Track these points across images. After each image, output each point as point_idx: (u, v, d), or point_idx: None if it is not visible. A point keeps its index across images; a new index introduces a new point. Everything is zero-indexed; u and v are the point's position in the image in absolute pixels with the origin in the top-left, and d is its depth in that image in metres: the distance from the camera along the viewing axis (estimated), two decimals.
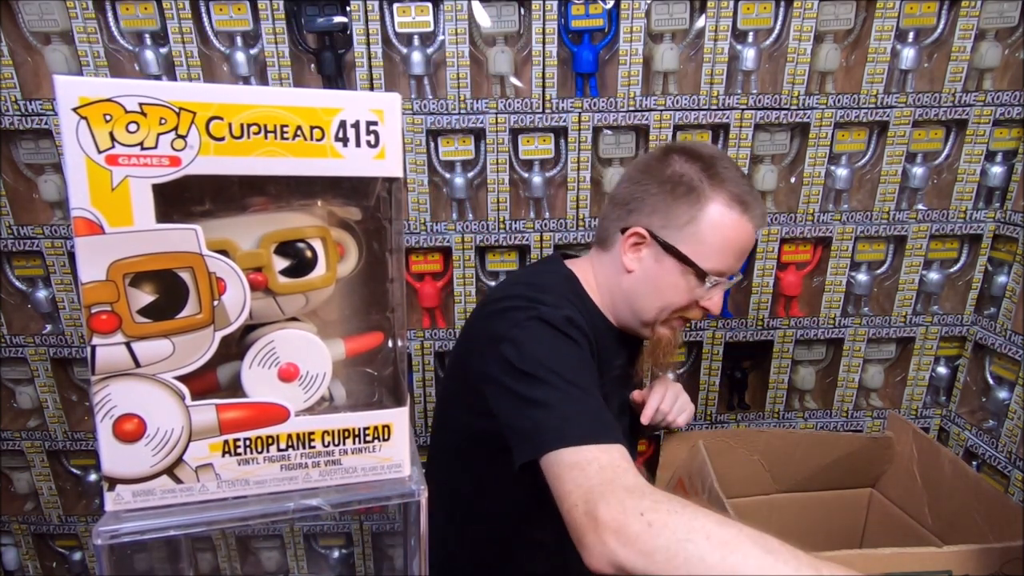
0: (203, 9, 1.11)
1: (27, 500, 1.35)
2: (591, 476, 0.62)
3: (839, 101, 1.17)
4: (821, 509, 1.13)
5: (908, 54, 1.17)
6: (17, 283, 1.23)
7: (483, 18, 1.15)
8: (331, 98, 0.40)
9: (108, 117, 0.36)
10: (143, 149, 0.37)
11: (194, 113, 0.37)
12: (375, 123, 0.41)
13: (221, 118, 0.37)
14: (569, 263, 0.96)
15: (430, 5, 1.12)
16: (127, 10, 1.10)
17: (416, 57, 1.14)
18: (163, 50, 1.13)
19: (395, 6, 1.12)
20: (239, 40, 1.14)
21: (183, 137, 0.37)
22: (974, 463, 1.24)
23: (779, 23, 1.16)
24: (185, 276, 0.41)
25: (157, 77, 1.14)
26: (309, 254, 0.47)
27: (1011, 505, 0.87)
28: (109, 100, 0.36)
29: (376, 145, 0.41)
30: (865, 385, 1.34)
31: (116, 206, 0.37)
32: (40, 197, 1.19)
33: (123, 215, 0.38)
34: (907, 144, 1.19)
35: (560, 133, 1.19)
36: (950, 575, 0.77)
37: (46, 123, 1.12)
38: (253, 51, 1.14)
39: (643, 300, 0.89)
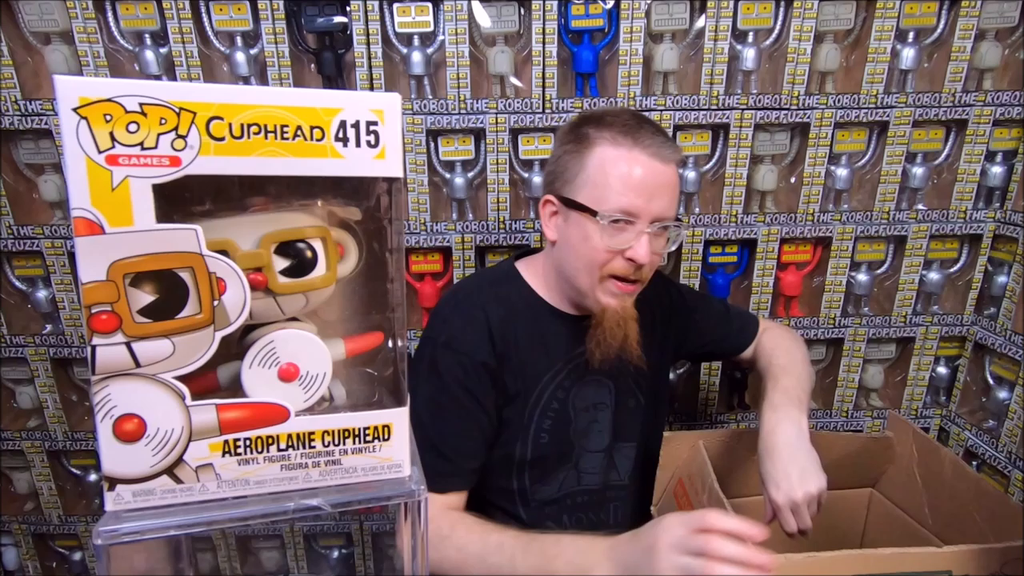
0: (203, 9, 1.11)
1: (27, 500, 1.35)
2: None
3: (839, 101, 1.17)
4: (821, 509, 1.13)
5: (908, 54, 1.17)
6: (17, 283, 1.24)
7: (483, 18, 1.15)
8: (331, 98, 0.40)
9: (108, 117, 0.36)
10: (143, 149, 0.37)
11: (194, 113, 0.37)
12: (375, 123, 0.41)
13: (221, 118, 0.37)
14: (521, 260, 0.98)
15: (430, 5, 1.12)
16: (127, 10, 1.10)
17: (416, 57, 1.14)
18: (163, 50, 1.13)
19: (395, 6, 1.12)
20: (239, 40, 1.14)
21: (183, 137, 0.37)
22: (974, 463, 1.24)
23: (779, 23, 1.16)
24: (185, 276, 0.41)
25: (157, 77, 1.14)
26: (309, 254, 0.47)
27: (1011, 505, 0.87)
28: (109, 100, 0.36)
29: (376, 145, 0.41)
30: (865, 385, 1.34)
31: (116, 206, 0.37)
32: (40, 197, 1.19)
33: (123, 215, 0.38)
34: (907, 144, 1.19)
35: None
36: (950, 575, 0.77)
37: (46, 123, 1.12)
38: (253, 51, 1.14)
39: (569, 265, 0.89)
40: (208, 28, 1.12)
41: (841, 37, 1.18)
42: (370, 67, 1.13)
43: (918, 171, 1.21)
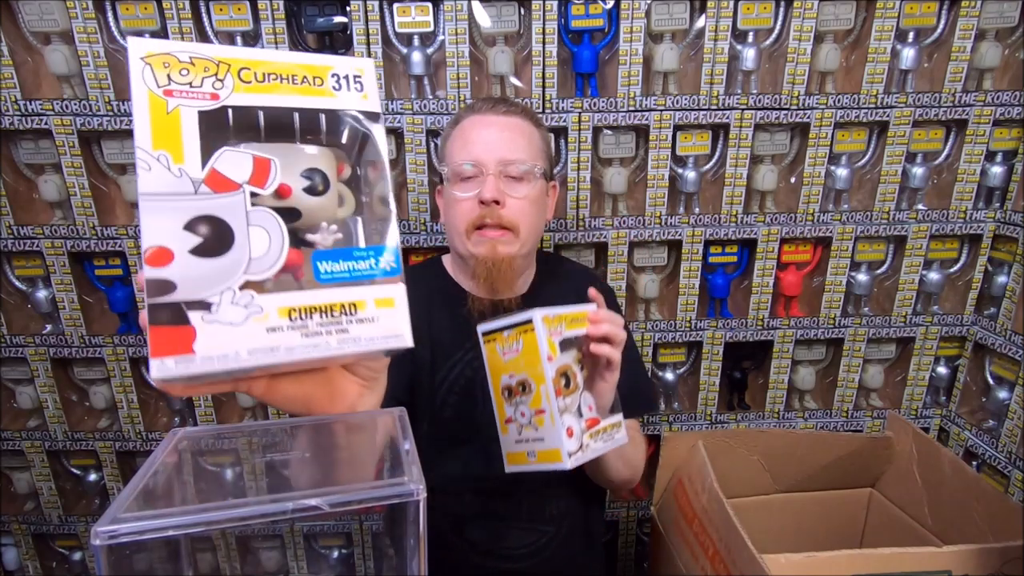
0: (203, 9, 1.11)
1: (27, 500, 1.35)
2: None
3: (839, 101, 1.17)
4: (821, 509, 1.13)
5: (908, 54, 1.17)
6: (17, 283, 1.24)
7: (483, 18, 1.15)
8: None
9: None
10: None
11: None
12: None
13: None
14: (446, 254, 1.05)
15: (430, 5, 1.12)
16: (127, 10, 1.10)
17: (416, 57, 1.14)
18: None
19: (395, 6, 1.12)
20: (239, 40, 1.14)
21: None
22: (974, 463, 1.24)
23: (779, 23, 1.16)
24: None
25: None
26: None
27: (1011, 505, 0.87)
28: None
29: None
30: (865, 385, 1.34)
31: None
32: (40, 197, 1.19)
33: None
34: (907, 144, 1.20)
35: (560, 133, 1.19)
36: (950, 575, 0.77)
37: (46, 123, 1.12)
38: None
39: (450, 231, 0.96)
40: (208, 28, 1.12)
41: (841, 37, 1.18)
42: None
43: (918, 171, 1.22)
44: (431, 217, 1.21)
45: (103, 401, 1.28)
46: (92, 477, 1.35)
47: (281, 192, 0.50)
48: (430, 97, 1.17)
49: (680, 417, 1.35)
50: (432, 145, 1.19)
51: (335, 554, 1.41)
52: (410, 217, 1.20)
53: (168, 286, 0.45)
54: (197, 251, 0.46)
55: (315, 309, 0.50)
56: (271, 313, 0.48)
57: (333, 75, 0.53)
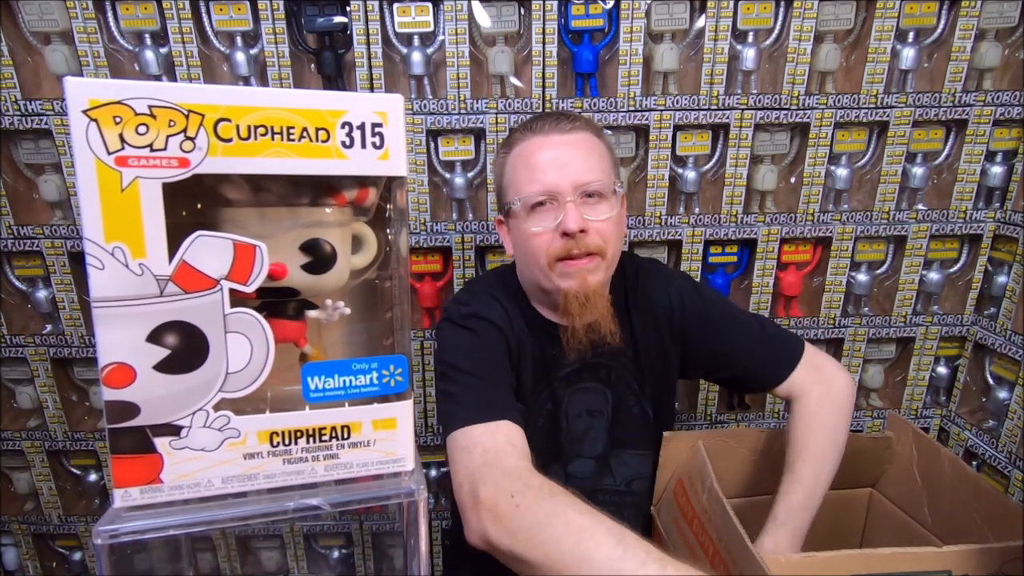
0: (203, 9, 1.11)
1: (27, 500, 1.35)
2: (475, 458, 0.70)
3: (839, 101, 1.17)
4: (821, 509, 1.13)
5: (908, 54, 1.17)
6: (17, 283, 1.23)
7: (483, 18, 1.15)
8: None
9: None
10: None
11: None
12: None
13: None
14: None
15: (430, 5, 1.12)
16: (127, 10, 1.10)
17: (416, 57, 1.14)
18: (163, 50, 1.13)
19: (395, 6, 1.12)
20: (239, 40, 1.14)
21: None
22: (974, 463, 1.24)
23: (779, 23, 1.16)
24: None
25: (157, 77, 1.14)
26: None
27: (1011, 505, 0.87)
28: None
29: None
30: (865, 385, 1.34)
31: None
32: (40, 197, 1.19)
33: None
34: (907, 144, 1.20)
35: None
36: (950, 575, 0.77)
37: (46, 123, 1.12)
38: (253, 51, 1.14)
39: (527, 269, 0.91)
40: (208, 28, 1.12)
41: (841, 37, 1.18)
42: (370, 67, 1.13)
43: (918, 171, 1.22)
44: (431, 217, 1.21)
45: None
46: (92, 477, 1.35)
47: (274, 274, 0.41)
48: (430, 97, 1.17)
49: (680, 417, 1.35)
50: (432, 145, 1.19)
51: (335, 554, 1.41)
52: (410, 217, 1.20)
53: (130, 410, 0.39)
54: (164, 366, 0.39)
55: (300, 432, 0.43)
56: (250, 437, 0.42)
57: (344, 125, 0.40)
